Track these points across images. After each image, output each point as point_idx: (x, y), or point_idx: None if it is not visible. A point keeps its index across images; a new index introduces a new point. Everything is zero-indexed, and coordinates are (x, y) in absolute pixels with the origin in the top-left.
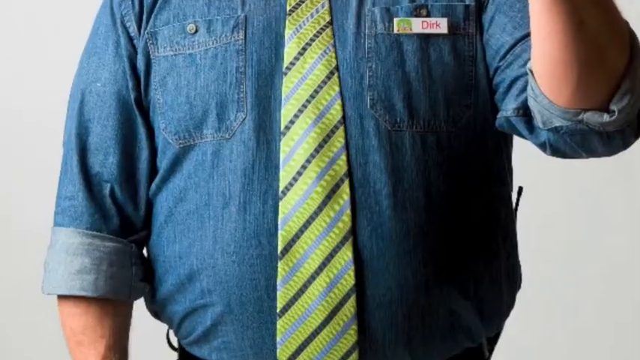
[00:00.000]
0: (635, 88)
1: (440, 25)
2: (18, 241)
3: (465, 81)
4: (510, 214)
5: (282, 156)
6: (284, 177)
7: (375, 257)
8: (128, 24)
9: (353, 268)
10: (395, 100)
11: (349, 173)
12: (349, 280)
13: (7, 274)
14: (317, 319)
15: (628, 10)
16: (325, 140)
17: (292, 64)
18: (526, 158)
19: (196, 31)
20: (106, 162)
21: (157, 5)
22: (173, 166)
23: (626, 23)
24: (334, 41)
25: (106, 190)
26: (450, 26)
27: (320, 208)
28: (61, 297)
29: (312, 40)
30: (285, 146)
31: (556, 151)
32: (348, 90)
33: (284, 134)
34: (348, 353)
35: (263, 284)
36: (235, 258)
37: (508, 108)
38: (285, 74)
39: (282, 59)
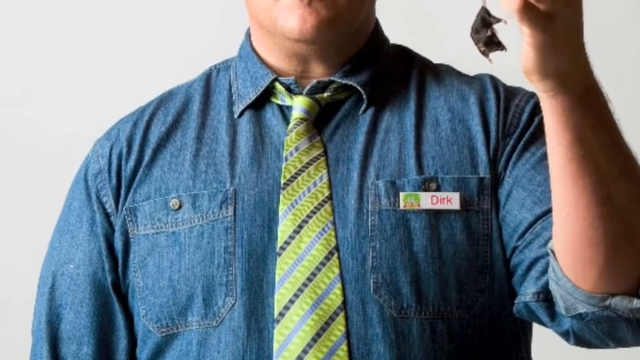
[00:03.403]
0: None
1: (451, 201)
2: None
3: (479, 262)
4: None
5: (275, 346)
6: None
7: None
8: (104, 199)
9: None
10: (401, 284)
11: None
12: None
13: None
14: None
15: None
16: (324, 328)
17: (287, 243)
18: (547, 347)
19: (180, 206)
20: (79, 353)
21: (137, 178)
22: (154, 357)
23: None
24: (334, 218)
25: None
26: (463, 201)
27: None
28: None
29: (309, 216)
30: (279, 335)
31: (580, 340)
32: (349, 272)
33: (278, 321)
34: None
35: None
36: None
37: (527, 292)
38: (279, 255)
39: (276, 238)
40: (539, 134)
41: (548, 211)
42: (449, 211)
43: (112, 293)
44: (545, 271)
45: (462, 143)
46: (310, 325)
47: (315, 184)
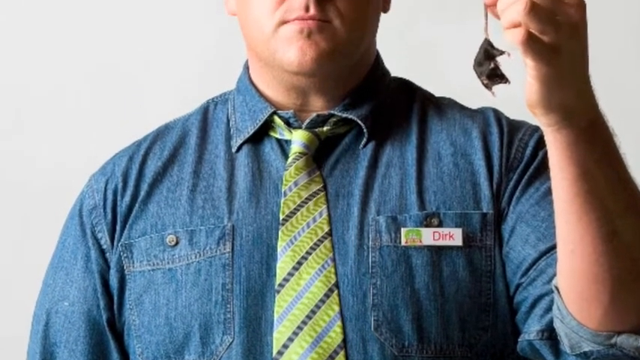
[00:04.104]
0: None
1: (453, 237)
2: None
3: (482, 300)
4: None
5: None
6: None
7: None
8: (99, 235)
9: None
10: (402, 322)
11: None
12: None
13: None
14: None
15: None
16: None
17: (286, 280)
18: None
19: (177, 242)
20: None
21: (133, 214)
22: None
23: None
24: (334, 254)
25: None
26: (465, 237)
27: None
28: None
29: (308, 253)
30: None
31: None
32: (350, 310)
33: None
34: None
35: None
36: None
37: (531, 330)
38: (278, 292)
39: (275, 275)
40: (543, 169)
41: (553, 248)
42: (451, 248)
43: (108, 331)
44: (549, 309)
45: (464, 178)
46: None
47: (314, 220)
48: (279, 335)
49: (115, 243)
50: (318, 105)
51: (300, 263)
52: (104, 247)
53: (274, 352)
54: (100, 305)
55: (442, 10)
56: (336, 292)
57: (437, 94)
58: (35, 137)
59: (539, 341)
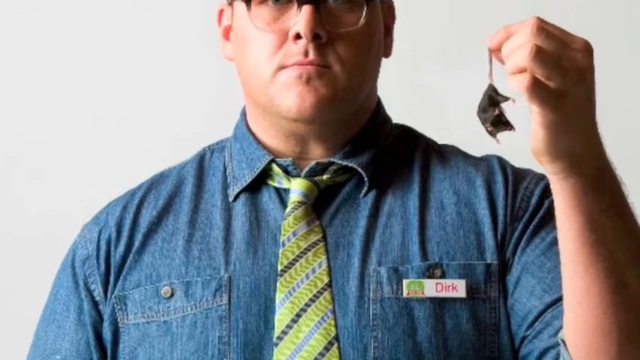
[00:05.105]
0: None
1: (457, 288)
2: None
3: (487, 353)
4: None
5: None
6: None
7: None
8: (92, 286)
9: None
10: None
11: None
12: None
13: None
14: None
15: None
16: None
17: (284, 333)
18: None
19: (172, 294)
20: None
21: (127, 265)
22: None
23: None
24: (333, 307)
25: None
26: (469, 289)
27: None
28: None
29: (307, 305)
30: None
31: None
32: None
33: None
34: None
35: None
36: None
37: None
38: (277, 345)
39: (273, 328)
40: (549, 218)
41: (559, 299)
42: (454, 299)
43: None
44: None
45: (468, 228)
46: None
47: (313, 271)
48: None
49: (109, 295)
50: (317, 153)
51: (299, 315)
52: (97, 298)
53: None
54: (94, 359)
55: (445, 55)
56: (336, 345)
57: (440, 142)
58: (27, 184)
59: None
